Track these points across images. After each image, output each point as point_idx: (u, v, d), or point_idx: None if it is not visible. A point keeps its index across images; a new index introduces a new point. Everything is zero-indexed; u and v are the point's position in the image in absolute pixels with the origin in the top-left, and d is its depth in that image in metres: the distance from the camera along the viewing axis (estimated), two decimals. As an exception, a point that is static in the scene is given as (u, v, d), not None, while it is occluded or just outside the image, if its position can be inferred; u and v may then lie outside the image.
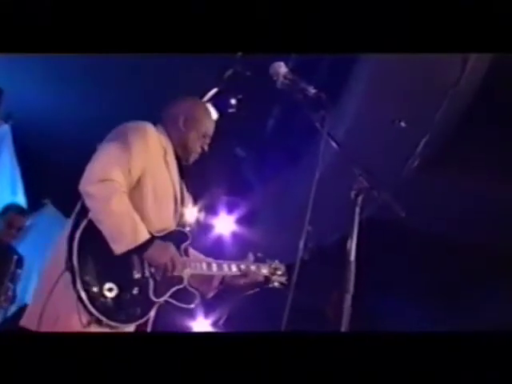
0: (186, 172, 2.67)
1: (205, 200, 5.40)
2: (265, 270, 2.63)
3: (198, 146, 2.56)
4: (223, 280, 2.58)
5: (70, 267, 2.18)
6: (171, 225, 2.44)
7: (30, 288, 6.25)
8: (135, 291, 2.26)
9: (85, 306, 2.16)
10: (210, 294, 2.59)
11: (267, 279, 2.62)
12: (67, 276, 2.19)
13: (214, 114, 2.77)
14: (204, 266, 2.48)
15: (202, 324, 5.97)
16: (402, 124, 3.97)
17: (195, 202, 2.83)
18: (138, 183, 2.35)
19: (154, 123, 2.50)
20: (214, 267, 2.51)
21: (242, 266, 2.55)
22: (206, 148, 2.59)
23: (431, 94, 3.95)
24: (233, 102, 4.78)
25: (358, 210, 1.98)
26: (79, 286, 2.16)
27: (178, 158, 2.54)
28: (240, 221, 5.68)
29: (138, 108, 5.23)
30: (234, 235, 5.71)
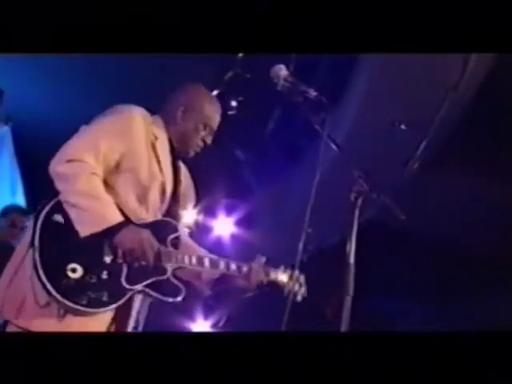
0: (189, 167, 2.55)
1: (204, 202, 5.39)
2: (275, 275, 2.41)
3: (198, 138, 2.41)
4: (222, 278, 2.41)
5: (32, 244, 2.10)
6: (155, 215, 2.32)
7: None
8: (104, 275, 2.13)
9: (43, 285, 2.05)
10: (206, 292, 2.45)
11: (277, 286, 2.40)
12: (30, 255, 2.11)
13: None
14: (194, 259, 2.30)
15: (201, 326, 5.97)
16: (402, 126, 3.98)
17: (194, 204, 2.70)
18: (118, 168, 2.25)
19: (153, 112, 2.40)
20: (206, 262, 2.32)
21: (244, 268, 2.37)
22: (208, 141, 2.44)
23: (431, 96, 3.95)
24: (233, 104, 4.78)
25: (357, 212, 1.98)
26: (38, 263, 2.06)
27: (174, 149, 2.41)
28: (239, 223, 5.68)
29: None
30: (233, 237, 5.71)
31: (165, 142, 2.38)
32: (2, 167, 5.90)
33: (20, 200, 5.85)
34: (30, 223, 2.23)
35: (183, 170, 2.52)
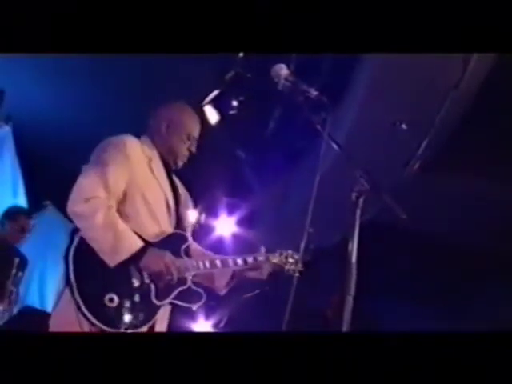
0: (184, 174, 2.70)
1: (205, 202, 5.39)
2: (275, 260, 2.61)
3: (184, 148, 2.61)
4: (234, 275, 2.59)
5: (67, 283, 2.26)
6: (167, 228, 2.50)
7: (31, 290, 6.26)
8: (136, 298, 2.32)
9: (86, 318, 2.23)
10: (223, 291, 2.62)
11: (279, 268, 2.60)
12: (67, 293, 2.27)
13: (197, 117, 2.76)
14: (207, 263, 2.49)
15: (203, 326, 5.97)
16: (403, 126, 3.97)
17: (196, 203, 2.83)
18: (126, 195, 2.42)
19: (138, 135, 2.59)
20: (218, 263, 2.52)
21: (249, 259, 2.56)
22: (193, 150, 2.63)
23: (432, 96, 3.95)
24: (234, 103, 4.78)
25: (358, 211, 1.98)
26: (78, 298, 2.22)
27: (166, 164, 2.60)
28: (241, 222, 5.68)
29: (139, 109, 5.25)
30: (235, 237, 5.71)
31: (157, 160, 2.57)
32: (3, 167, 5.91)
33: (21, 200, 5.86)
34: None
35: (177, 182, 2.69)
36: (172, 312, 2.56)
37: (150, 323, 2.36)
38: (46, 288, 6.40)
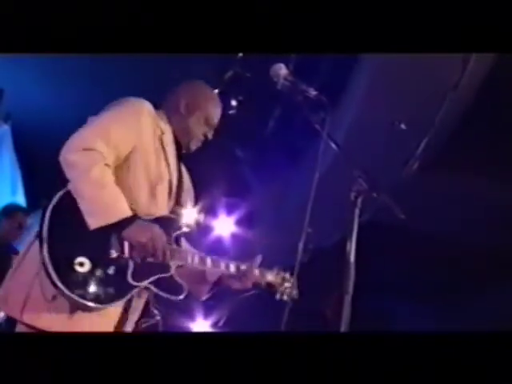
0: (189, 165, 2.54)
1: (204, 201, 5.39)
2: (270, 277, 2.44)
3: (199, 132, 2.42)
4: (219, 280, 2.41)
5: (40, 236, 2.06)
6: (163, 210, 2.29)
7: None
8: (110, 270, 2.10)
9: (50, 278, 2.02)
10: (204, 296, 2.44)
11: (271, 288, 2.44)
12: (36, 245, 2.08)
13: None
14: (196, 259, 2.28)
15: (201, 325, 5.97)
16: (402, 126, 3.97)
17: (195, 201, 2.65)
18: (127, 161, 2.22)
19: (156, 107, 2.39)
20: (208, 262, 2.31)
21: (243, 267, 2.37)
22: (209, 136, 2.45)
23: (432, 96, 3.95)
24: (233, 103, 4.78)
25: (357, 211, 1.98)
26: (45, 254, 2.01)
27: (178, 144, 2.41)
28: (239, 222, 5.68)
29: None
30: (234, 237, 5.71)
31: (170, 136, 2.36)
32: (2, 166, 5.90)
33: (20, 199, 5.85)
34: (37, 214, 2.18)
35: (184, 169, 2.52)
36: (149, 304, 2.34)
37: (119, 302, 2.13)
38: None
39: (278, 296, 2.43)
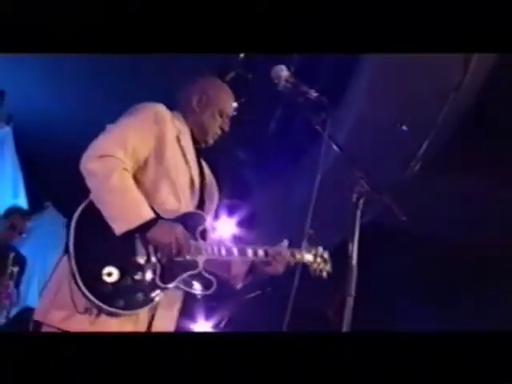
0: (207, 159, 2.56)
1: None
2: (302, 255, 2.40)
3: (215, 125, 2.45)
4: (251, 267, 2.39)
5: (66, 251, 2.08)
6: (187, 207, 2.31)
7: (31, 291, 6.26)
8: (138, 276, 2.11)
9: (81, 291, 2.05)
10: (239, 285, 2.42)
11: (306, 266, 2.40)
12: (64, 262, 2.11)
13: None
14: (223, 250, 2.28)
15: (203, 326, 5.97)
16: (404, 127, 3.97)
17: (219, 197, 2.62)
18: (147, 164, 2.25)
19: (170, 108, 2.41)
20: (235, 252, 2.31)
21: (271, 251, 2.34)
22: (226, 128, 2.47)
23: (433, 96, 3.94)
24: (234, 104, 4.78)
25: (359, 213, 1.98)
26: (75, 270, 2.04)
27: (196, 141, 2.44)
28: (241, 224, 5.68)
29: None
30: (235, 238, 5.70)
31: (187, 134, 2.40)
32: (4, 168, 5.91)
33: (22, 201, 5.86)
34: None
35: (205, 165, 2.54)
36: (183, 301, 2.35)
37: (149, 306, 2.14)
38: (46, 289, 6.41)
39: (312, 273, 2.42)
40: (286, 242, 2.40)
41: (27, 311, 4.60)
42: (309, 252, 2.42)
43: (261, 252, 2.33)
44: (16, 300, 4.48)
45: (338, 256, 2.18)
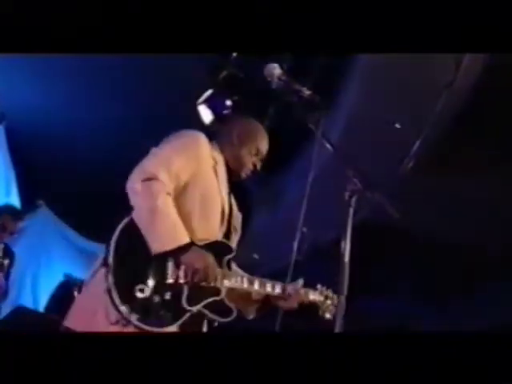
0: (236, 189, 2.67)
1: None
2: (314, 296, 2.59)
3: (250, 162, 2.59)
4: (266, 300, 2.55)
5: (105, 263, 2.21)
6: (216, 236, 2.45)
7: (24, 290, 6.25)
8: (167, 296, 2.24)
9: (114, 304, 2.17)
10: (251, 316, 2.57)
11: (315, 306, 2.59)
12: (101, 272, 2.23)
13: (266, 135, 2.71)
14: (245, 281, 2.44)
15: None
16: (397, 125, 3.98)
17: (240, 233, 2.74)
18: (185, 189, 2.38)
19: (210, 138, 2.56)
20: (256, 284, 2.47)
21: (289, 288, 2.51)
22: (258, 166, 2.62)
23: (426, 95, 3.96)
24: (228, 103, 4.78)
25: (351, 211, 1.98)
26: (111, 283, 2.17)
27: (230, 173, 2.58)
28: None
29: (131, 109, 5.25)
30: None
31: (222, 166, 2.54)
32: (-4, 167, 5.89)
33: (14, 199, 5.84)
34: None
35: (233, 197, 2.66)
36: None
37: (173, 326, 2.25)
38: (38, 288, 6.40)
39: (320, 313, 2.59)
40: (301, 281, 2.57)
41: (20, 310, 4.60)
42: (321, 294, 2.61)
43: (278, 289, 2.50)
44: (5, 292, 4.48)
45: (332, 254, 2.18)
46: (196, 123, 4.59)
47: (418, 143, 4.20)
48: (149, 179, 2.26)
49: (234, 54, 4.41)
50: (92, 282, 2.29)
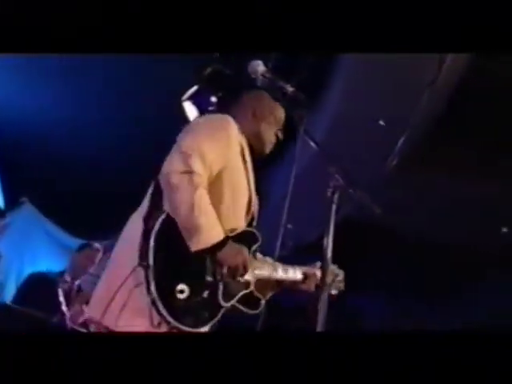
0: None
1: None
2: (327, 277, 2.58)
3: (271, 134, 2.50)
4: (282, 283, 2.54)
5: (144, 265, 2.12)
6: (242, 225, 2.39)
7: (9, 287, 6.21)
8: (205, 294, 2.20)
9: (156, 307, 2.11)
10: (267, 297, 2.50)
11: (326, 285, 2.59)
12: (140, 272, 2.13)
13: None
14: (271, 269, 2.42)
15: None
16: (381, 123, 4.00)
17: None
18: (217, 178, 2.28)
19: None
20: (280, 271, 2.47)
21: (309, 272, 2.53)
22: (280, 136, 2.53)
23: (409, 93, 3.98)
24: (213, 99, 4.78)
25: (334, 207, 1.99)
26: (153, 286, 2.10)
27: (253, 153, 2.47)
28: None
29: (115, 105, 5.23)
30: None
31: (247, 150, 2.43)
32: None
33: (-3, 197, 5.81)
34: (133, 231, 2.22)
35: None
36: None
37: (211, 323, 2.23)
38: (22, 284, 6.35)
39: (329, 291, 2.50)
40: (318, 264, 2.52)
41: (5, 307, 4.58)
42: (332, 273, 2.54)
43: (299, 273, 2.52)
44: None
45: (317, 250, 2.19)
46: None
47: (401, 141, 4.23)
48: (187, 172, 2.14)
49: (217, 54, 4.41)
50: (128, 281, 2.16)
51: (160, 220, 2.17)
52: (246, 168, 2.39)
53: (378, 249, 5.16)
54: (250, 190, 2.41)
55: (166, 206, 2.18)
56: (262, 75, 2.21)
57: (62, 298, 3.93)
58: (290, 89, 2.16)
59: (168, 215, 2.17)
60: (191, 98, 4.77)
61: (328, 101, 4.37)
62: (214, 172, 2.25)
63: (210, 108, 4.74)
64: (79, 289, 4.20)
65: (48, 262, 6.25)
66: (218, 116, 2.40)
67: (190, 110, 4.79)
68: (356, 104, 4.13)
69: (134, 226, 2.22)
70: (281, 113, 2.53)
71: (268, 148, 2.52)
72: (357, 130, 4.25)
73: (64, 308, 3.88)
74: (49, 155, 5.56)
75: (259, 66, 2.22)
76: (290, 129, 2.28)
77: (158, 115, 4.95)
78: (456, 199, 4.84)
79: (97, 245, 4.53)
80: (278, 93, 2.19)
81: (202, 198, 2.16)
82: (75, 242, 6.29)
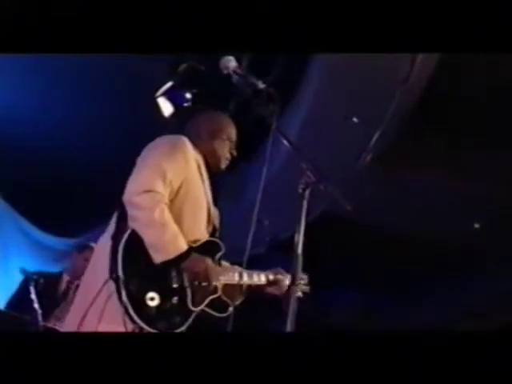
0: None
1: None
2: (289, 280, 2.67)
3: (225, 152, 2.65)
4: (250, 288, 2.67)
5: (114, 277, 2.26)
6: (205, 236, 2.54)
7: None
8: (175, 300, 2.35)
9: (129, 316, 2.24)
10: (237, 302, 2.65)
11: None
12: (111, 285, 2.27)
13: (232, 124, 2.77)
14: (236, 275, 2.58)
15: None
16: (355, 119, 4.03)
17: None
18: (177, 194, 2.44)
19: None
20: (245, 277, 2.61)
21: (271, 276, 2.68)
22: (234, 153, 2.68)
23: (382, 91, 4.02)
24: (188, 95, 4.77)
25: (305, 203, 2.00)
26: (124, 296, 2.23)
27: (209, 169, 2.62)
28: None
29: (97, 104, 5.19)
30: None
31: (203, 165, 2.59)
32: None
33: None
34: (101, 248, 2.38)
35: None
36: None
37: (183, 328, 2.37)
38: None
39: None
40: (280, 269, 2.69)
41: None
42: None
43: (263, 277, 2.67)
44: None
45: (288, 247, 2.20)
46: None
47: (375, 138, 4.26)
48: (147, 191, 2.32)
49: (188, 53, 4.40)
50: (100, 295, 2.29)
51: (126, 235, 2.31)
52: (203, 183, 2.56)
53: (351, 245, 5.19)
54: (208, 202, 2.57)
55: (131, 224, 2.33)
56: (234, 71, 2.22)
57: (33, 296, 3.88)
58: (261, 85, 2.18)
59: (133, 230, 2.32)
60: (165, 94, 4.75)
61: (302, 98, 4.38)
62: (174, 189, 2.42)
63: (185, 104, 4.73)
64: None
65: (21, 259, 6.19)
66: (175, 137, 2.54)
67: (165, 106, 4.77)
68: (330, 101, 4.16)
69: (103, 244, 2.39)
70: (233, 131, 2.70)
71: (223, 164, 2.67)
72: (331, 127, 4.27)
73: (36, 305, 3.84)
74: (21, 152, 5.50)
75: (231, 62, 2.23)
76: (263, 125, 2.28)
77: (134, 114, 4.93)
78: (428, 195, 4.89)
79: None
80: (250, 89, 2.20)
81: (164, 213, 2.32)
82: (48, 238, 6.24)
